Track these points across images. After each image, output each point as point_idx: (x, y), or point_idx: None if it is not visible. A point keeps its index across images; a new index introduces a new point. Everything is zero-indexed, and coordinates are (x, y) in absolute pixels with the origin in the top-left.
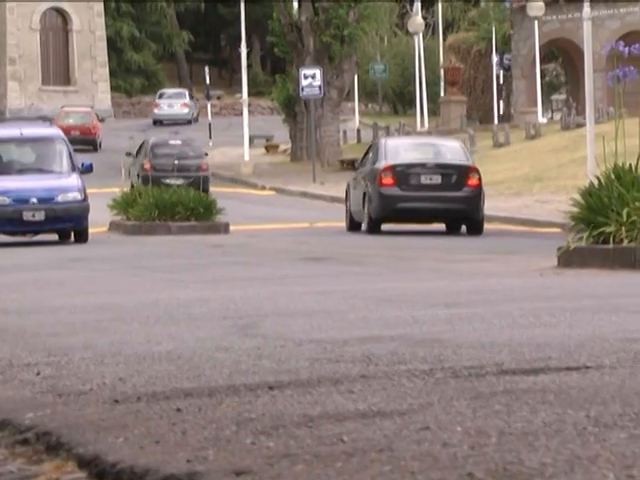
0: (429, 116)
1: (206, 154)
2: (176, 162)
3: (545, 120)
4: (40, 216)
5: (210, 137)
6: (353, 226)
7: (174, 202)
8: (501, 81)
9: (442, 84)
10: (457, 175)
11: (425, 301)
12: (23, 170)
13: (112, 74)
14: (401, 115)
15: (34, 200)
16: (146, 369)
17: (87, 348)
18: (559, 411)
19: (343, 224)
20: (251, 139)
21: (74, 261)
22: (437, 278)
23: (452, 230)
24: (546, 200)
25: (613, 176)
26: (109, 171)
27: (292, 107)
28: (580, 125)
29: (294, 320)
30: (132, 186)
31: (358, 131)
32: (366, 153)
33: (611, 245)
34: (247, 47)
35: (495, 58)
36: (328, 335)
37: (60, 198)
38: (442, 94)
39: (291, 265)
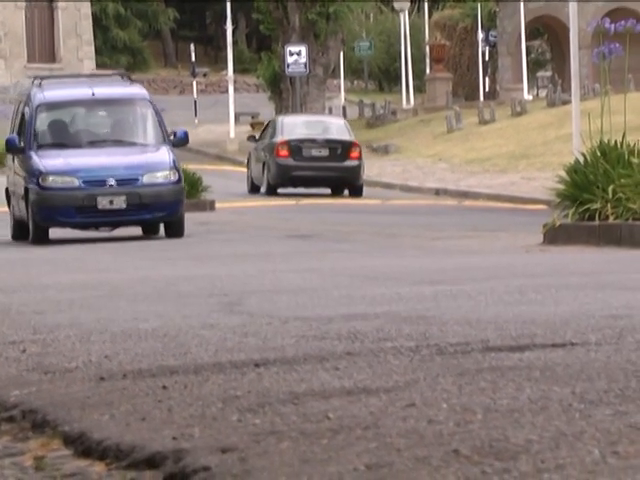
0: (415, 93)
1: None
2: None
3: (531, 97)
4: (120, 203)
5: (196, 114)
6: (253, 189)
7: None
8: (487, 58)
9: (428, 61)
10: (341, 149)
11: (410, 278)
12: (96, 142)
13: (98, 51)
14: (387, 92)
15: (112, 182)
16: (132, 346)
17: (73, 326)
18: (545, 388)
19: (329, 201)
20: (237, 116)
21: (61, 239)
22: (422, 255)
23: (336, 194)
24: (532, 177)
25: (599, 153)
26: None
27: (278, 84)
28: (566, 102)
29: (280, 297)
30: None
31: (344, 108)
32: (265, 128)
33: (597, 222)
34: (233, 24)
35: (481, 35)
36: (314, 312)
37: (146, 179)
38: (428, 71)
39: (277, 242)
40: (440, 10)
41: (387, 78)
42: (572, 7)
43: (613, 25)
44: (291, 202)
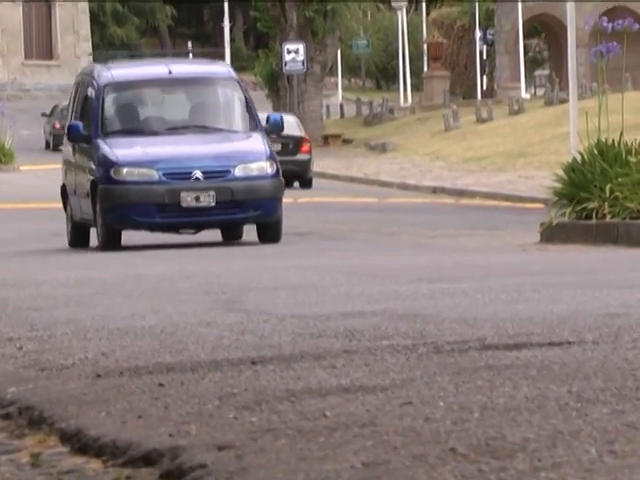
0: (412, 91)
1: None
2: None
3: (528, 96)
4: (208, 200)
5: None
6: None
7: None
8: (484, 56)
9: (425, 59)
10: (293, 144)
11: (408, 276)
12: (176, 129)
13: (95, 48)
14: (384, 90)
15: (198, 175)
16: (129, 344)
17: (70, 322)
18: (541, 386)
19: (327, 199)
20: None
21: (56, 235)
22: (420, 253)
23: (288, 185)
24: (529, 176)
25: (596, 152)
26: None
27: (275, 82)
28: (563, 101)
29: (277, 295)
30: (47, 143)
31: (341, 106)
32: None
33: (594, 220)
34: (230, 22)
35: (478, 33)
36: (311, 310)
37: (239, 171)
38: (425, 69)
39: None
40: (438, 8)
41: (384, 76)
42: (570, 6)
43: (610, 24)
44: (289, 200)
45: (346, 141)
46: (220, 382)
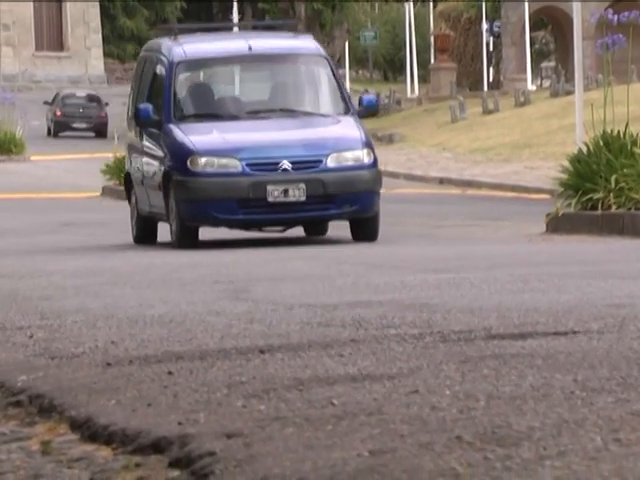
0: (419, 83)
1: (107, 104)
2: (81, 110)
3: (534, 87)
4: (298, 194)
5: None
6: None
7: None
8: (491, 48)
9: (432, 51)
10: None
11: (414, 266)
12: (259, 112)
13: (105, 40)
14: (391, 82)
15: (286, 165)
16: (138, 332)
17: (80, 311)
18: (547, 375)
19: None
20: None
21: (66, 225)
22: (426, 244)
23: None
24: (535, 166)
25: (602, 143)
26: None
27: None
28: (569, 92)
29: (285, 285)
30: (48, 129)
31: (349, 97)
32: None
33: (599, 211)
34: (239, 14)
35: (485, 25)
36: (318, 300)
37: (332, 161)
38: (432, 61)
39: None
40: (445, 0)
41: (392, 68)
42: None
43: (616, 16)
44: None
45: None
46: (229, 370)
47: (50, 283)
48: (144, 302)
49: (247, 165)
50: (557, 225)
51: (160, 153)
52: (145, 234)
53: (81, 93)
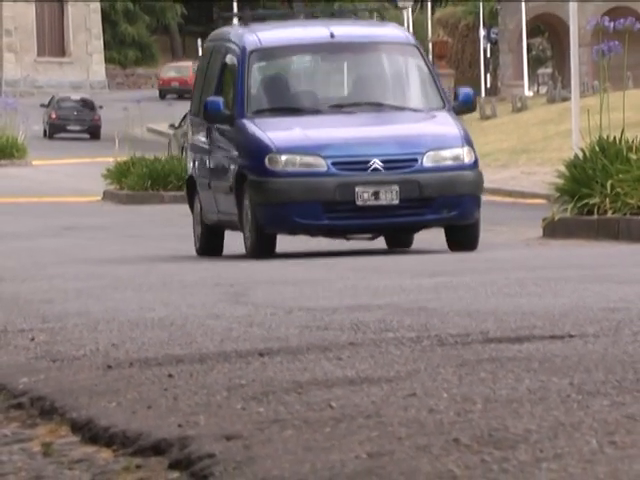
0: None
1: (101, 107)
2: (75, 113)
3: (531, 93)
4: (390, 197)
5: None
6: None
7: (167, 172)
8: (488, 55)
9: (430, 57)
10: None
11: (412, 270)
12: (344, 106)
13: (106, 46)
14: None
15: (377, 164)
16: (139, 335)
17: (81, 315)
18: (543, 379)
19: None
20: None
21: (68, 229)
22: (424, 247)
23: None
24: (532, 172)
25: (597, 149)
26: (103, 141)
27: None
28: (565, 98)
29: (284, 288)
30: (44, 131)
31: None
32: (184, 117)
33: (595, 216)
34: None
35: (482, 32)
36: (317, 303)
37: (427, 160)
38: None
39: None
40: (443, 7)
41: None
42: (572, 5)
43: (612, 23)
44: None
45: None
46: (228, 373)
47: (51, 286)
48: (145, 305)
49: (333, 164)
50: (553, 230)
51: (232, 152)
52: (211, 245)
53: (75, 97)
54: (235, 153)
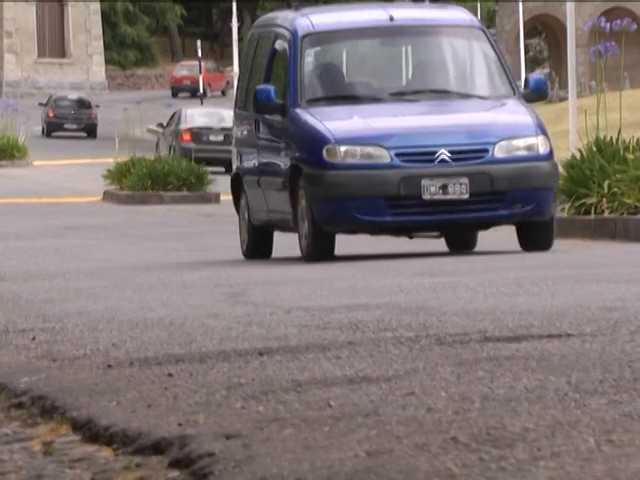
0: None
1: (97, 106)
2: (72, 112)
3: None
4: (459, 190)
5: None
6: None
7: (167, 172)
8: None
9: None
10: None
11: (411, 270)
12: (406, 94)
13: (106, 47)
14: None
15: (445, 155)
16: (139, 335)
17: (81, 314)
18: (541, 377)
19: None
20: None
21: (68, 230)
22: (422, 248)
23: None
24: None
25: (595, 149)
26: (103, 142)
27: None
28: (563, 99)
29: (283, 288)
30: (42, 129)
31: None
32: (171, 118)
33: (592, 216)
34: (238, 21)
35: None
36: (316, 303)
37: (499, 151)
38: None
39: (281, 234)
40: None
41: None
42: (569, 6)
43: (609, 24)
44: None
45: None
46: (228, 373)
47: (52, 286)
48: (145, 305)
49: (397, 155)
50: None
51: (285, 145)
52: (259, 247)
53: (72, 96)
54: (288, 146)
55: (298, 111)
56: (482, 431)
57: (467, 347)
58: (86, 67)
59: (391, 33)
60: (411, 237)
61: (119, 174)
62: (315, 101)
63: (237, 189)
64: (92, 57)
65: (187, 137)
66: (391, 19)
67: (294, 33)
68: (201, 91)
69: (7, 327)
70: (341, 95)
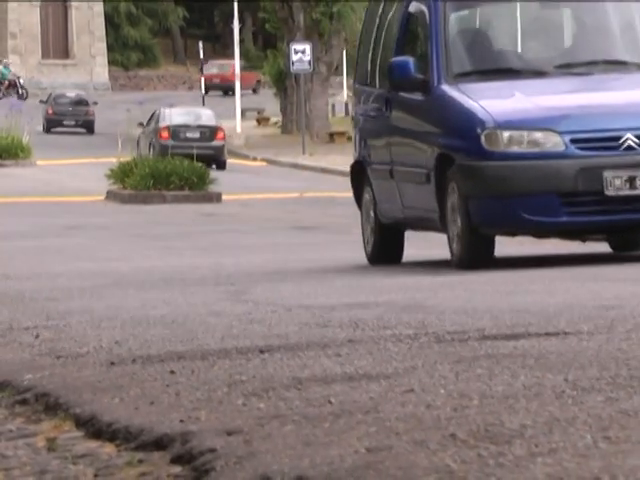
0: None
1: (95, 103)
2: (70, 109)
3: None
4: None
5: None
6: None
7: (169, 172)
8: None
9: None
10: (209, 132)
11: (410, 269)
12: (574, 66)
13: (109, 48)
14: None
15: (632, 140)
16: (141, 333)
17: (84, 312)
18: (539, 375)
19: (333, 194)
20: (243, 112)
21: (72, 229)
22: (422, 247)
23: (208, 167)
24: None
25: None
26: (106, 141)
27: (283, 81)
28: None
29: (284, 286)
30: (42, 126)
31: (346, 105)
32: (151, 117)
33: None
34: (239, 23)
35: None
36: (317, 301)
37: None
38: None
39: (281, 233)
40: None
41: None
42: None
43: None
44: (294, 194)
45: (351, 138)
46: (229, 370)
47: (56, 285)
48: (147, 303)
49: (572, 141)
50: None
51: (428, 129)
52: (386, 251)
53: (71, 94)
54: (434, 130)
55: (445, 88)
56: (480, 428)
57: (465, 345)
58: (89, 68)
59: None
60: (584, 241)
61: (122, 174)
62: (465, 75)
63: (359, 180)
64: (95, 58)
65: (165, 134)
66: None
67: None
68: (202, 91)
69: (11, 325)
70: (495, 68)
